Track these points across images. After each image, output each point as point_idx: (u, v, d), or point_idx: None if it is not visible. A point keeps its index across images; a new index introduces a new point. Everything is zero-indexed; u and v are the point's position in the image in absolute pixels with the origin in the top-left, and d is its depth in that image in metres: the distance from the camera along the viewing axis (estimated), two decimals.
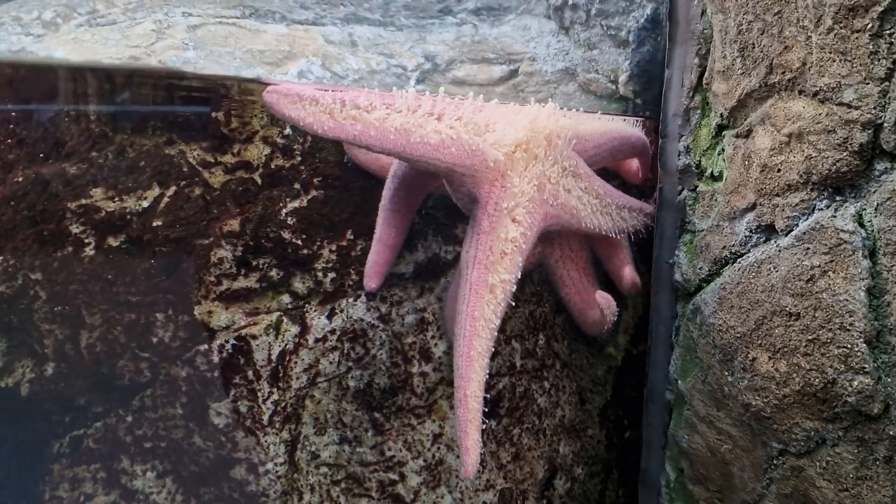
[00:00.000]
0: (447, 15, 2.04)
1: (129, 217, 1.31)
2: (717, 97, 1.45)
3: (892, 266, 1.12)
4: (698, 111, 1.53)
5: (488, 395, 1.55)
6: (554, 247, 1.54)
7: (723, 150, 1.45)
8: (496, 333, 1.29)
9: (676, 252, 1.58)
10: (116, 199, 1.31)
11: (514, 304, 1.58)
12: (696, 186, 1.54)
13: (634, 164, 1.65)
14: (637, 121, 1.63)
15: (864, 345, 1.15)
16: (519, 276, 1.32)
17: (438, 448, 1.51)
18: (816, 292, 1.22)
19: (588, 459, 1.71)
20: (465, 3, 2.07)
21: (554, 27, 1.90)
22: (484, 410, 1.28)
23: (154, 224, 1.32)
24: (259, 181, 1.37)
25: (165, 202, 1.33)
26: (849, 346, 1.17)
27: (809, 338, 1.23)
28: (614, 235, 1.52)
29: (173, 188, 1.33)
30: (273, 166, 1.37)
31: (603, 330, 1.59)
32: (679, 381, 1.58)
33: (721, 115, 1.44)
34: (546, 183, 1.35)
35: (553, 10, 1.88)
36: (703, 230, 1.51)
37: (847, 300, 1.17)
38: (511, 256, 1.30)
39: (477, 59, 1.87)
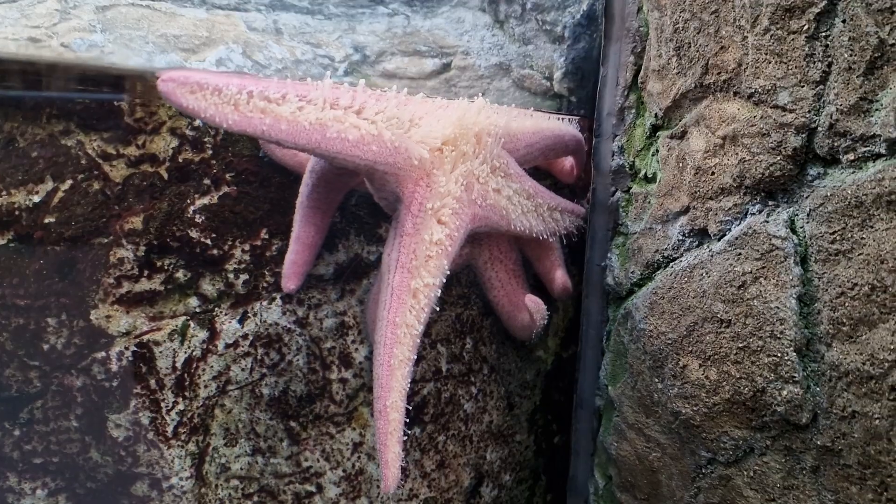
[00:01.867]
0: (378, 4, 1.95)
1: (17, 213, 1.19)
2: (652, 97, 1.41)
3: (823, 273, 1.09)
4: (633, 111, 1.49)
5: (412, 402, 1.49)
6: (482, 248, 1.48)
7: (657, 151, 1.42)
8: (419, 340, 1.22)
9: (608, 255, 1.54)
10: (3, 192, 1.18)
11: (439, 307, 1.52)
12: (630, 188, 1.50)
13: (567, 162, 1.60)
14: (572, 119, 1.58)
15: (794, 353, 1.12)
16: (444, 281, 1.25)
17: (359, 457, 1.43)
18: (748, 299, 1.19)
19: (516, 465, 1.65)
20: None
21: (489, 20, 1.83)
22: (406, 421, 1.21)
23: (46, 220, 1.19)
24: (165, 176, 1.25)
25: (60, 197, 1.20)
26: (779, 354, 1.14)
27: (740, 345, 1.20)
28: (546, 238, 1.47)
29: (69, 182, 1.21)
30: (181, 160, 1.26)
31: (532, 334, 1.54)
32: (609, 387, 1.54)
33: (656, 116, 1.41)
34: (474, 182, 1.28)
35: (488, 3, 1.82)
36: (635, 233, 1.47)
37: (778, 308, 1.14)
38: (436, 260, 1.23)
39: (408, 52, 1.79)
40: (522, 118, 1.40)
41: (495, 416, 1.60)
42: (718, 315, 1.24)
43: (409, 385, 1.21)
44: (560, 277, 1.56)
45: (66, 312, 1.21)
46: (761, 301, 1.16)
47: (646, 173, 1.45)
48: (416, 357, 1.23)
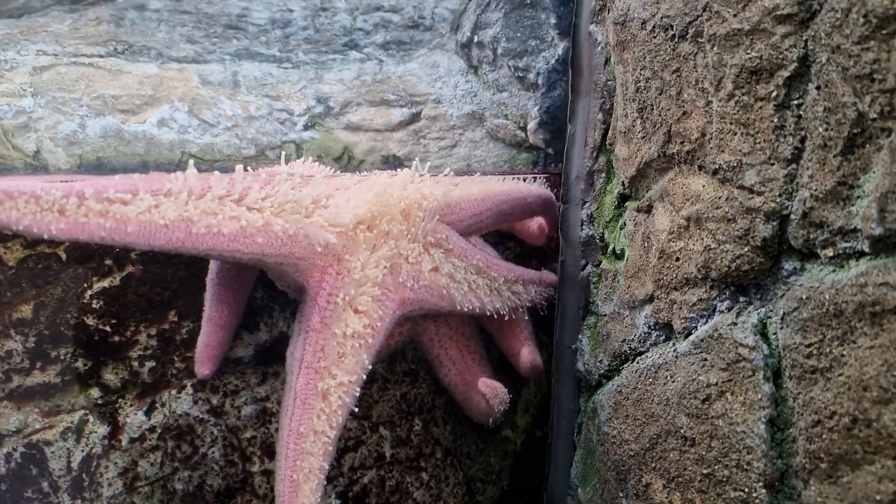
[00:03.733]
0: (352, 49, 1.82)
1: None
2: (619, 162, 1.22)
3: (798, 394, 0.89)
4: (603, 175, 1.30)
5: (351, 492, 1.33)
6: (428, 323, 1.31)
7: (625, 223, 1.23)
8: (333, 448, 1.07)
9: (579, 336, 1.35)
10: None
11: (381, 386, 1.36)
12: (600, 262, 1.31)
13: (535, 223, 1.42)
14: (541, 178, 1.41)
15: (764, 490, 0.92)
16: (364, 377, 1.10)
17: None
18: (712, 417, 0.99)
19: None
20: (373, 36, 1.86)
21: (463, 65, 1.68)
22: None
23: None
24: (63, 257, 1.14)
25: None
26: (746, 489, 0.94)
27: (705, 471, 1.00)
28: (506, 314, 1.30)
29: None
30: None
31: (490, 420, 1.37)
32: (579, 489, 1.35)
33: (623, 184, 1.22)
34: (402, 263, 1.12)
35: (460, 47, 1.66)
36: (605, 315, 1.28)
37: (745, 432, 0.94)
38: (353, 355, 1.07)
39: (375, 101, 1.65)
40: (467, 185, 1.23)
41: (452, 503, 1.43)
42: (682, 431, 1.04)
43: (319, 498, 1.06)
44: (527, 355, 1.37)
45: None
46: (727, 422, 0.96)
47: (615, 248, 1.26)
48: (328, 466, 1.07)
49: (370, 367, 1.10)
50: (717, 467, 0.98)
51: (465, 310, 1.22)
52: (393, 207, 1.09)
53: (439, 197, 1.16)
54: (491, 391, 1.30)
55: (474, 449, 1.45)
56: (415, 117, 1.63)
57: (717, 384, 0.98)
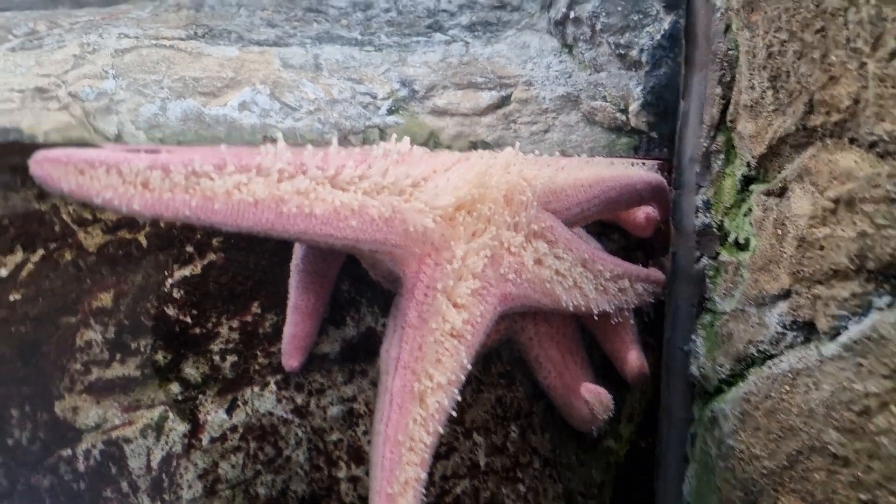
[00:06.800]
0: (436, 31, 1.73)
1: None
2: (744, 140, 1.09)
3: None
4: (721, 156, 1.17)
5: (443, 503, 1.24)
6: (526, 321, 1.20)
7: (750, 209, 1.09)
8: (430, 457, 0.97)
9: (693, 337, 1.22)
10: None
11: (475, 389, 1.27)
12: (718, 254, 1.18)
13: (641, 213, 1.29)
14: (652, 164, 1.28)
15: None
16: (464, 377, 1.00)
17: None
18: (873, 433, 0.85)
19: None
20: (458, 17, 1.76)
21: (556, 45, 1.56)
22: None
23: (12, 298, 1.05)
24: (144, 243, 1.09)
25: (28, 270, 1.06)
26: None
27: (862, 497, 0.86)
28: (611, 313, 1.18)
29: (40, 252, 1.06)
30: (163, 224, 1.09)
31: (593, 428, 1.25)
32: None
33: (748, 165, 1.09)
34: (504, 254, 1.02)
35: (553, 25, 1.54)
36: (725, 313, 1.15)
37: None
38: (452, 355, 0.98)
39: (462, 84, 1.55)
40: (574, 168, 1.12)
41: None
42: (831, 447, 0.90)
43: None
44: (635, 360, 1.25)
45: (29, 403, 1.06)
46: (892, 439, 0.82)
47: (737, 238, 1.12)
48: (426, 477, 0.98)
49: (469, 367, 1.00)
50: (879, 493, 0.84)
51: (570, 308, 1.11)
52: (494, 191, 0.99)
53: (544, 181, 1.05)
54: (594, 397, 1.19)
55: (574, 460, 1.34)
56: (504, 100, 1.53)
57: (877, 394, 0.84)
